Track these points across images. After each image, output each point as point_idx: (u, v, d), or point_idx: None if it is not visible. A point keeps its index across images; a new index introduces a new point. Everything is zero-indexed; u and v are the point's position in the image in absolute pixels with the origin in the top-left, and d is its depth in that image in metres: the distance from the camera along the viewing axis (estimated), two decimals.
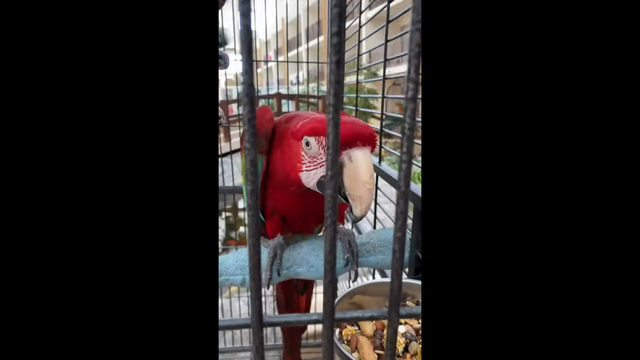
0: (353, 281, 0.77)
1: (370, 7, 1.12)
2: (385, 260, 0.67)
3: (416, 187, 0.68)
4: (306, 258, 0.66)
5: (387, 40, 0.87)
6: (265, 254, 0.66)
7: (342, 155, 0.48)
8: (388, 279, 0.67)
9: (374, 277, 1.01)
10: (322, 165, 0.52)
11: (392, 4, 0.83)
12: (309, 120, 0.53)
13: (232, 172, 1.81)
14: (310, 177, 0.53)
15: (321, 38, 1.69)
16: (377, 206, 0.94)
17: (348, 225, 0.95)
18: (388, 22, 0.86)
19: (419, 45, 0.20)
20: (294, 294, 0.95)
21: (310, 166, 0.53)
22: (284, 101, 3.90)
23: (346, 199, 0.50)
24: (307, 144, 0.52)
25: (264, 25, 1.69)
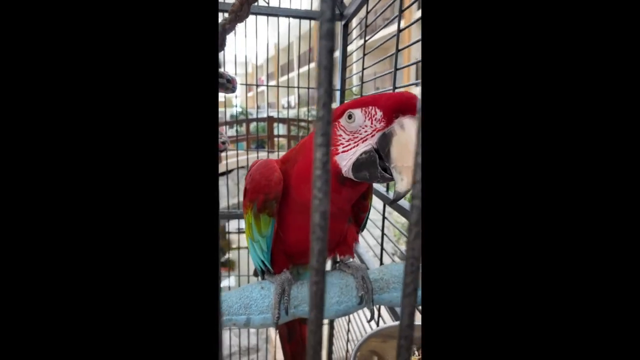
0: (369, 321, 0.73)
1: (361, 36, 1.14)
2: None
3: None
4: None
5: (396, 69, 0.87)
6: (272, 291, 0.62)
7: (393, 123, 0.46)
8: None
9: (378, 313, 0.97)
10: (365, 139, 0.49)
11: (382, 34, 0.83)
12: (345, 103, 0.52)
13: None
14: (348, 157, 0.50)
15: (312, 64, 1.71)
16: (385, 237, 0.92)
17: (357, 259, 0.92)
18: (397, 50, 0.86)
19: None
20: (296, 324, 0.90)
21: (348, 145, 0.50)
22: (275, 124, 3.91)
23: (384, 178, 0.48)
24: (350, 116, 0.49)
25: (257, 50, 1.71)
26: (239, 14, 0.59)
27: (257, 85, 2.27)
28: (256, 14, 1.36)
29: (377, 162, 0.48)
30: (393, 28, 0.86)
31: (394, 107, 0.47)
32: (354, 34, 1.30)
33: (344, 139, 0.50)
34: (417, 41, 0.67)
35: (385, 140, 0.47)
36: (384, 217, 0.88)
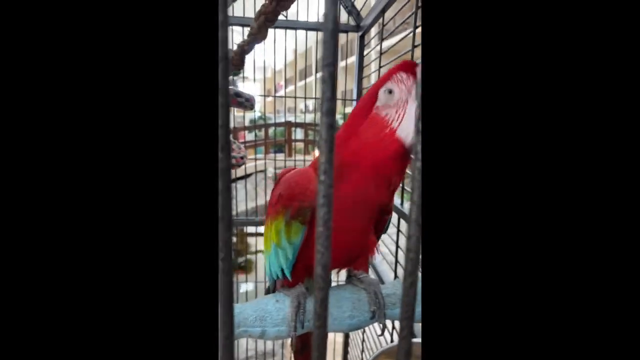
0: (380, 335, 0.73)
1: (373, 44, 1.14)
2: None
3: None
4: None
5: None
6: (288, 304, 0.63)
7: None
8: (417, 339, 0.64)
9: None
10: (407, 101, 0.51)
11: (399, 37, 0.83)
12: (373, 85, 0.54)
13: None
14: (408, 124, 0.50)
15: None
16: (399, 250, 0.91)
17: (372, 274, 0.92)
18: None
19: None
20: (309, 336, 0.91)
21: (399, 117, 0.51)
22: (293, 129, 3.94)
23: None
24: (390, 91, 0.51)
25: (275, 56, 1.73)
26: (258, 36, 0.61)
27: (274, 92, 2.30)
28: (275, 27, 1.38)
29: None
30: (409, 30, 0.85)
31: (410, 65, 0.52)
32: (372, 43, 1.30)
33: (392, 114, 0.51)
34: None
35: None
36: (398, 230, 0.88)
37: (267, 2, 0.58)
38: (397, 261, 0.95)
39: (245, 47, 0.63)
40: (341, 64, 1.87)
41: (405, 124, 0.50)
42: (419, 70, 0.50)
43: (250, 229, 2.72)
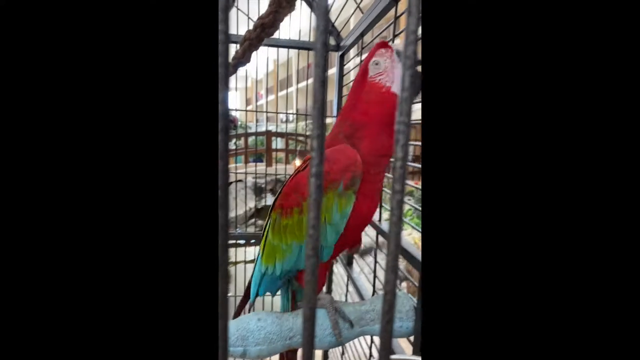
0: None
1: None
2: (402, 329, 0.66)
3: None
4: None
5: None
6: (324, 313, 0.65)
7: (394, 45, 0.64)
8: (405, 357, 0.66)
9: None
10: (392, 68, 0.63)
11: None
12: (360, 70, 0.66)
13: None
14: (398, 83, 0.60)
15: (310, 80, 1.74)
16: (377, 265, 0.93)
17: (352, 288, 0.93)
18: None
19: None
20: (292, 354, 0.91)
21: (390, 78, 0.63)
22: (273, 138, 3.93)
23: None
24: (377, 63, 0.63)
25: (257, 65, 1.74)
26: (242, 60, 0.62)
27: (255, 101, 2.31)
28: None
29: (417, 69, 0.61)
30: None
31: (384, 43, 0.65)
32: (351, 64, 1.34)
33: (383, 78, 0.63)
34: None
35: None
36: (376, 244, 0.90)
37: (251, 28, 0.59)
38: (375, 276, 0.97)
39: (230, 70, 0.64)
40: None
41: (397, 82, 0.62)
42: (392, 43, 0.67)
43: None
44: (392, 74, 0.63)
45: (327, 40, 0.19)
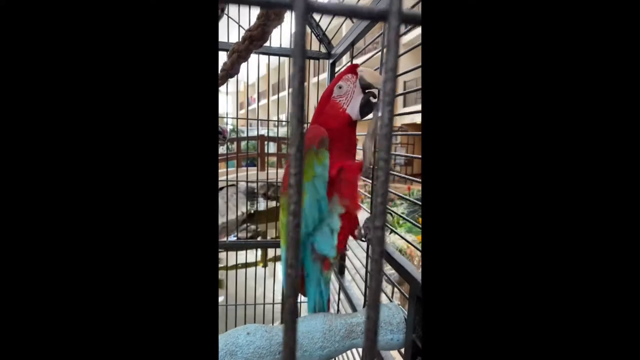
0: None
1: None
2: (393, 341, 0.66)
3: (414, 270, 0.68)
4: (299, 341, 0.63)
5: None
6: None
7: (359, 74, 0.77)
8: None
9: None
10: (352, 93, 0.78)
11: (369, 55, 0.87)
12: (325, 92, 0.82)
13: None
14: (353, 107, 0.77)
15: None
16: (368, 274, 0.93)
17: (343, 298, 0.91)
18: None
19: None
20: None
21: (347, 101, 0.77)
22: (266, 142, 3.92)
23: (373, 102, 0.76)
24: (340, 87, 0.78)
25: (248, 68, 1.74)
26: (231, 71, 0.61)
27: (247, 105, 2.30)
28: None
29: (369, 98, 0.77)
30: (377, 50, 0.90)
31: (354, 68, 0.80)
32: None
33: (343, 100, 0.78)
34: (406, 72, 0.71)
35: (364, 81, 0.77)
36: (367, 256, 0.90)
37: (239, 41, 0.59)
38: (366, 285, 0.97)
39: (220, 81, 0.64)
40: (313, 80, 1.90)
41: (351, 105, 0.78)
42: (359, 69, 0.78)
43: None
44: (349, 99, 0.79)
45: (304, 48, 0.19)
